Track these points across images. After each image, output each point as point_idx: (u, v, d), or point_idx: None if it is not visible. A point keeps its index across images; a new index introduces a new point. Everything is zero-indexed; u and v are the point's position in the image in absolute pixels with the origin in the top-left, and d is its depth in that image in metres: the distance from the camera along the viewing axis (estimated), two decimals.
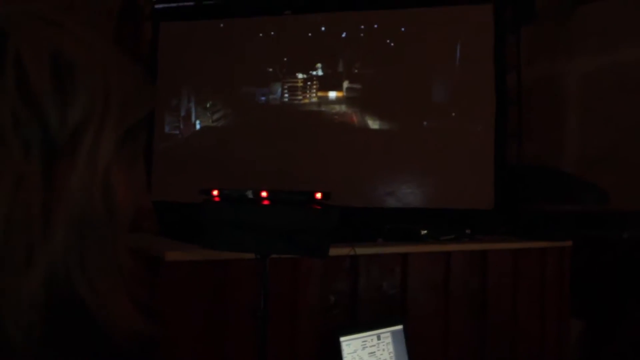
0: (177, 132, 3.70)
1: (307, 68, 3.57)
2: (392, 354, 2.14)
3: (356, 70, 3.54)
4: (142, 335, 0.47)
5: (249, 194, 1.36)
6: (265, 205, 1.32)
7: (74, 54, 0.45)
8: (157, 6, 3.48)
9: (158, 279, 1.73)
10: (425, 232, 2.55)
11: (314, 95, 3.57)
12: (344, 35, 3.54)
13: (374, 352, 2.10)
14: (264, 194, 1.34)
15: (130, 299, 0.48)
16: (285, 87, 3.59)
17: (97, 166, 0.45)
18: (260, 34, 3.61)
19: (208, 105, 3.68)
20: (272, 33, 3.59)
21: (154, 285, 1.71)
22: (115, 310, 0.46)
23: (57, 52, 0.44)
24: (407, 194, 3.40)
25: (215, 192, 1.39)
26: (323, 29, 3.55)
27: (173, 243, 2.11)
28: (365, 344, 2.09)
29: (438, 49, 3.46)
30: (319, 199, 1.29)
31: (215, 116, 3.68)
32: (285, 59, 3.61)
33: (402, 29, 3.48)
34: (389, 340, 2.17)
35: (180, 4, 3.60)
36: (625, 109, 3.33)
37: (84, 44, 0.46)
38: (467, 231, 2.75)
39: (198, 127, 3.70)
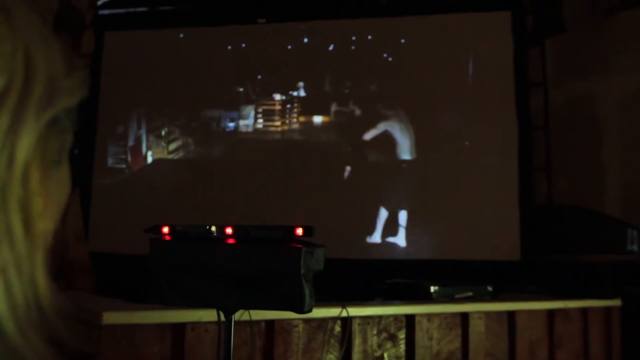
0: (124, 165, 3.66)
1: (287, 87, 3.60)
2: None
3: (346, 90, 3.57)
4: None
5: (211, 231, 1.31)
6: (231, 244, 1.27)
7: None
8: (101, 12, 3.51)
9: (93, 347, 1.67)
10: (436, 288, 2.54)
11: (295, 120, 3.57)
12: (331, 47, 3.59)
13: None
14: (229, 230, 1.30)
15: (49, 342, 0.45)
16: (260, 110, 3.60)
17: (14, 158, 0.43)
18: (229, 46, 3.64)
19: (163, 133, 3.67)
20: (243, 45, 3.63)
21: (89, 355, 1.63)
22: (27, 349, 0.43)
23: None
24: (411, 242, 3.36)
25: (165, 230, 1.33)
26: (306, 40, 3.59)
27: (113, 303, 2.05)
28: None
29: (445, 64, 3.52)
30: (300, 236, 1.25)
31: (172, 146, 3.66)
32: (259, 77, 3.63)
33: (402, 41, 3.54)
34: None
35: (130, 9, 3.63)
36: None
37: (2, 7, 0.45)
38: (489, 288, 2.73)
39: (150, 159, 3.67)
